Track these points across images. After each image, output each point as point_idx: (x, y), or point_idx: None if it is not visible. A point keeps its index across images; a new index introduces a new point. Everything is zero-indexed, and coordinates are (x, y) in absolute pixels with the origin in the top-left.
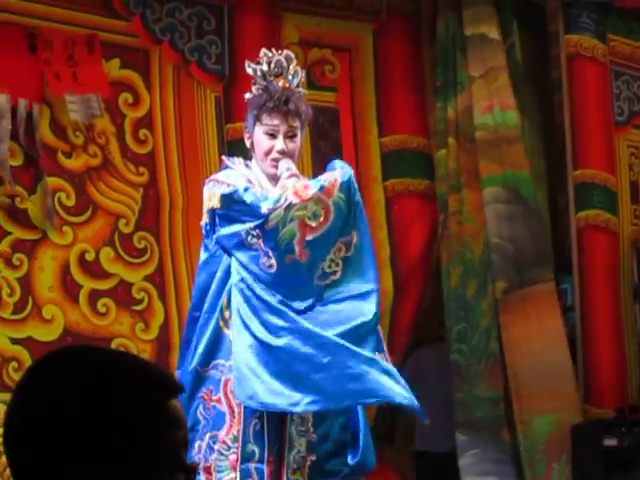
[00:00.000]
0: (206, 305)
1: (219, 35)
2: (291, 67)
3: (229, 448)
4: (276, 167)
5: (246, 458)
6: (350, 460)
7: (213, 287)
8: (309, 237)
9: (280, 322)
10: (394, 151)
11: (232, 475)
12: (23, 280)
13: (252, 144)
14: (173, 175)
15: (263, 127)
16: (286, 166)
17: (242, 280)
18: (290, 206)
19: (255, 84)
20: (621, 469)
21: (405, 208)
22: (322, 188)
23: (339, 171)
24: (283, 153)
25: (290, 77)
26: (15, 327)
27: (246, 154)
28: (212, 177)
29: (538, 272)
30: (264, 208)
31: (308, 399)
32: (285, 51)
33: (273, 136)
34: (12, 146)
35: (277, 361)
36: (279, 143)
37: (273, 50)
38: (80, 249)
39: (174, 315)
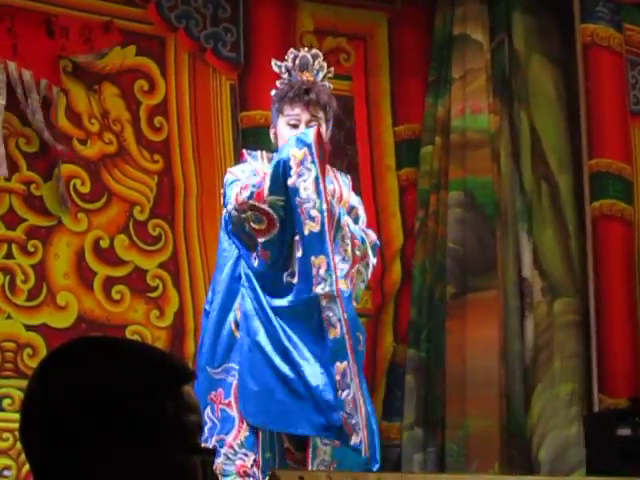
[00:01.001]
0: (218, 300)
1: (234, 23)
2: (316, 62)
3: (236, 453)
4: None
5: (265, 466)
6: (373, 467)
7: (223, 285)
8: (261, 239)
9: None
10: (408, 140)
11: None
12: (38, 267)
13: (276, 135)
14: (188, 163)
15: (285, 118)
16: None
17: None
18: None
19: (280, 80)
20: (636, 458)
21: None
22: (251, 195)
23: (268, 172)
24: None
25: (315, 72)
26: (29, 314)
27: (259, 142)
28: (230, 169)
29: (482, 280)
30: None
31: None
32: (314, 50)
33: (295, 126)
34: (27, 132)
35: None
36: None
37: (300, 48)
38: (95, 236)
39: (189, 302)
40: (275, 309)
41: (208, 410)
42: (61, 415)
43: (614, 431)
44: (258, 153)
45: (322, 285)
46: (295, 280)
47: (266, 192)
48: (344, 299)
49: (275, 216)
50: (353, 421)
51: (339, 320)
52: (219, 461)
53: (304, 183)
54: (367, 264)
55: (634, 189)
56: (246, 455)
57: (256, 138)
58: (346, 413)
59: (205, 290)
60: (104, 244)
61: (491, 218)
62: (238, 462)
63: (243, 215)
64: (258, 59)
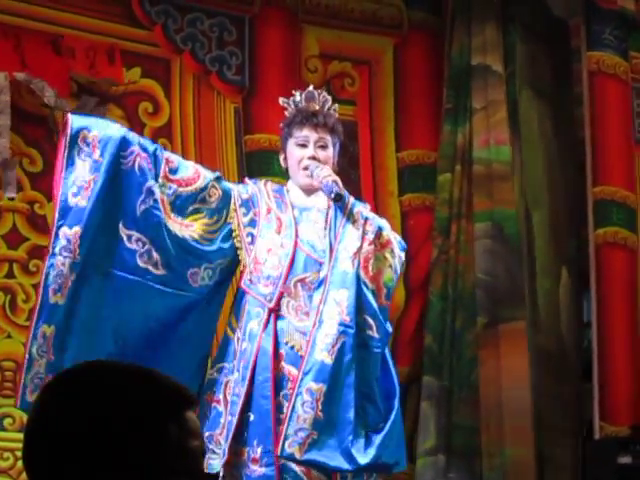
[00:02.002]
0: None
1: (240, 46)
2: (321, 96)
3: (221, 447)
4: (309, 176)
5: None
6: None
7: None
8: None
9: None
10: (411, 166)
11: (256, 469)
12: (39, 287)
13: (285, 159)
14: None
15: (294, 139)
16: (315, 164)
17: None
18: None
19: (288, 111)
20: None
21: (420, 223)
22: None
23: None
24: (313, 159)
25: (321, 103)
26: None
27: (263, 166)
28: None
29: (511, 310)
30: None
31: None
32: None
33: (304, 146)
34: (31, 152)
35: None
36: (309, 151)
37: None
38: None
39: None
40: None
41: (205, 410)
42: (64, 439)
43: (615, 459)
44: (258, 181)
45: None
46: None
47: None
48: (343, 280)
49: None
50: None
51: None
52: (207, 456)
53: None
54: (393, 251)
55: (638, 217)
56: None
57: (260, 161)
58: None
59: None
60: None
61: (518, 249)
62: (224, 457)
63: None
64: (263, 83)
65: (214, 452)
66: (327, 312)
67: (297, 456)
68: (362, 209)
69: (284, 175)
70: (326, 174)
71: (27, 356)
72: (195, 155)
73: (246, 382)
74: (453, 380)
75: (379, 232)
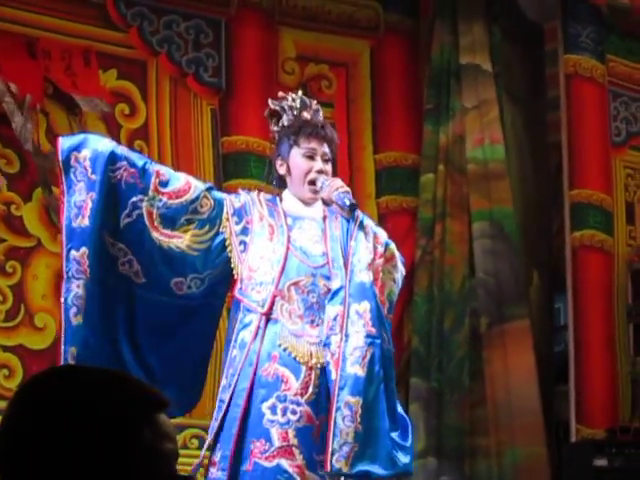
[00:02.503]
0: None
1: (216, 48)
2: (313, 104)
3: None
4: (314, 191)
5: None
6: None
7: None
8: None
9: None
10: (388, 168)
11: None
12: (16, 288)
13: (288, 169)
14: None
15: (302, 150)
16: (325, 177)
17: None
18: None
19: (280, 117)
20: None
21: (398, 225)
22: None
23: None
24: (321, 173)
25: (313, 112)
26: (6, 335)
27: (240, 167)
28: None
29: (516, 308)
30: None
31: None
32: (300, 94)
33: (311, 158)
34: (8, 153)
35: None
36: (318, 164)
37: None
38: None
39: None
40: None
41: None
42: (37, 441)
43: (591, 462)
44: (252, 194)
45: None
46: None
47: None
48: (363, 291)
49: None
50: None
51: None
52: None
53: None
54: (396, 266)
55: (614, 220)
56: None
57: (237, 163)
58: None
59: None
60: None
61: (518, 247)
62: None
63: None
64: (240, 85)
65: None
66: (351, 326)
67: (345, 470)
68: (371, 222)
69: (260, 178)
70: (339, 184)
71: None
72: (172, 156)
73: (231, 389)
74: (443, 382)
75: (386, 246)
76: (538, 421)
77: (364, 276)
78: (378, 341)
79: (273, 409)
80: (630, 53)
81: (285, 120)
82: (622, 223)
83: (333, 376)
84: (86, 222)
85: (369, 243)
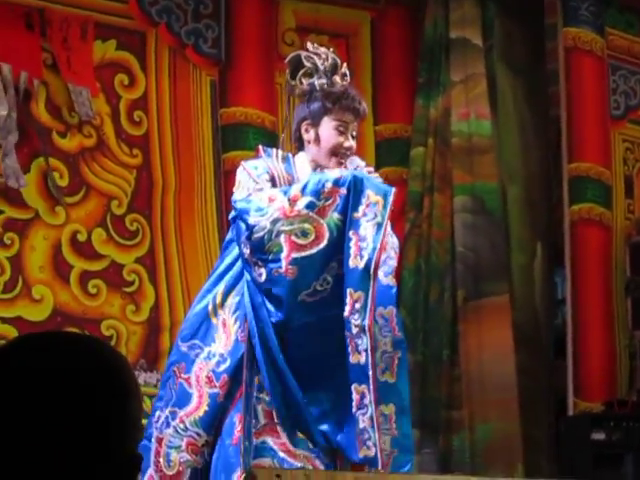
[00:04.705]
0: (206, 284)
1: (216, 19)
2: (343, 66)
3: (186, 429)
4: (340, 164)
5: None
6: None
7: (218, 270)
8: (296, 255)
9: None
10: (388, 139)
11: (183, 456)
12: (14, 259)
13: (316, 136)
14: (166, 158)
15: (334, 122)
16: (364, 165)
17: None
18: (275, 220)
19: (310, 75)
20: (609, 463)
21: (397, 196)
22: (312, 206)
23: (342, 189)
24: (350, 150)
25: (341, 76)
26: (4, 306)
27: (238, 139)
28: (243, 163)
29: (495, 284)
30: (251, 219)
31: None
32: (330, 49)
33: (342, 132)
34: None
35: None
36: (348, 141)
37: (319, 46)
38: (72, 229)
39: (164, 297)
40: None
41: (170, 381)
42: (21, 400)
43: (588, 435)
44: (273, 151)
45: (355, 316)
46: (312, 299)
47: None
48: (390, 296)
49: (327, 233)
50: (366, 436)
51: (365, 350)
52: (168, 432)
53: (366, 223)
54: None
55: (613, 194)
56: (198, 434)
57: (236, 135)
58: (359, 429)
59: (181, 286)
60: (81, 238)
61: (500, 223)
62: (186, 439)
63: (286, 227)
64: (239, 56)
65: (177, 431)
66: (379, 331)
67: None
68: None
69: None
70: (379, 180)
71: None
72: (170, 127)
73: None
74: (427, 355)
75: (397, 244)
76: (513, 398)
77: (390, 280)
78: (404, 345)
79: (258, 387)
80: (629, 26)
81: (317, 82)
82: (621, 196)
83: None
84: None
85: (393, 247)
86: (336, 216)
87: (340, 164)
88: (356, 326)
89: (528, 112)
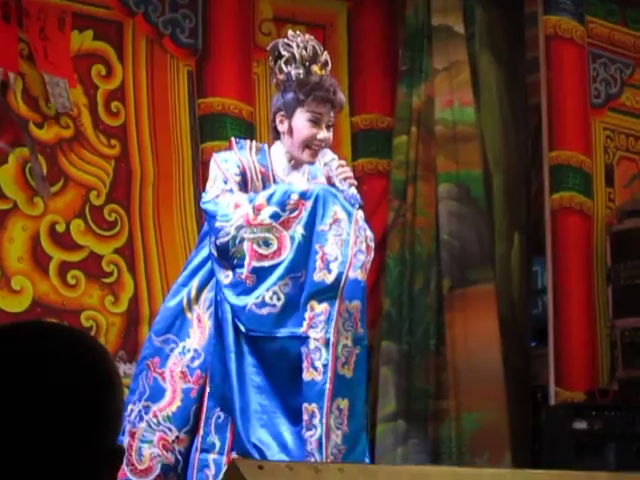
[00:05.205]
0: (180, 277)
1: (193, 9)
2: (324, 55)
3: (158, 424)
4: (313, 156)
5: (205, 449)
6: None
7: (193, 264)
8: (256, 264)
9: None
10: (364, 130)
11: (154, 451)
12: None
13: (289, 129)
14: (144, 148)
15: (307, 114)
16: (334, 158)
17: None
18: (239, 227)
19: (286, 64)
20: (590, 452)
21: (373, 188)
22: (276, 217)
23: (308, 203)
24: (325, 142)
25: (321, 65)
26: None
27: (216, 129)
28: (215, 155)
29: (480, 273)
30: (217, 223)
31: None
32: (310, 36)
33: (316, 124)
34: None
35: None
36: (322, 132)
37: (299, 33)
38: (50, 220)
39: (143, 288)
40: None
41: (143, 375)
42: (1, 391)
43: (570, 424)
44: (247, 143)
45: (316, 329)
46: (259, 311)
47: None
48: (356, 290)
49: (289, 246)
50: (312, 459)
51: (324, 365)
52: (141, 426)
53: (333, 237)
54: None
55: (593, 182)
56: (169, 430)
57: (213, 125)
58: (307, 451)
59: (160, 277)
60: (60, 228)
61: (485, 211)
62: (159, 433)
63: (249, 235)
64: (216, 46)
65: (150, 426)
66: (342, 325)
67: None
68: (360, 214)
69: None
70: (349, 174)
71: None
72: (148, 118)
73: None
74: (413, 344)
75: (372, 238)
76: (499, 387)
77: (359, 273)
78: (365, 343)
79: None
80: (609, 14)
81: (293, 72)
82: (601, 185)
83: None
84: None
85: (365, 240)
86: (300, 230)
87: (312, 155)
88: (316, 339)
89: (509, 100)
